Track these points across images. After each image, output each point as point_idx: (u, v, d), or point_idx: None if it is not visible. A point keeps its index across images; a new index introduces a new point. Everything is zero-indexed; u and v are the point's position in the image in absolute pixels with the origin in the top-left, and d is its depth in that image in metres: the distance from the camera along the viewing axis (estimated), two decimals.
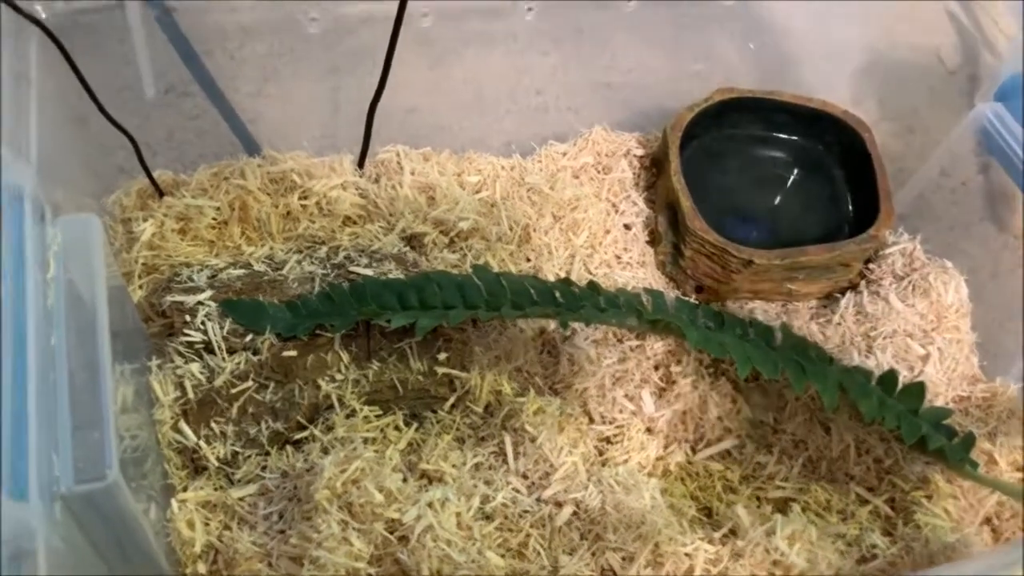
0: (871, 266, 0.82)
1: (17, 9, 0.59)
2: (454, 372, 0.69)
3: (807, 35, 0.97)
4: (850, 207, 0.86)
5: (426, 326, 0.65)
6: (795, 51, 0.98)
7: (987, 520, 0.70)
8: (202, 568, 0.61)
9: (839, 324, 0.79)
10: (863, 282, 0.82)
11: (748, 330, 0.72)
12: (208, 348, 0.66)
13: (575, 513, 0.63)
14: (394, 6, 0.72)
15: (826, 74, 0.97)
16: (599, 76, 0.95)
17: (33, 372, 0.49)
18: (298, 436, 0.66)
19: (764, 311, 0.83)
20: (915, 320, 0.77)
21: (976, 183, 0.93)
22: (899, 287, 0.79)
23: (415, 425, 0.68)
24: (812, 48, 0.98)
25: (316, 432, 0.66)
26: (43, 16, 0.61)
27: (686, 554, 0.61)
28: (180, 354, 0.66)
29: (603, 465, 0.66)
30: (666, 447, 0.70)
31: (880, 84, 0.96)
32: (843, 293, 0.82)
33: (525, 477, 0.65)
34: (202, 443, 0.64)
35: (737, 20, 0.95)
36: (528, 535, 0.63)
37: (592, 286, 0.72)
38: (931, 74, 0.94)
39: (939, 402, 0.75)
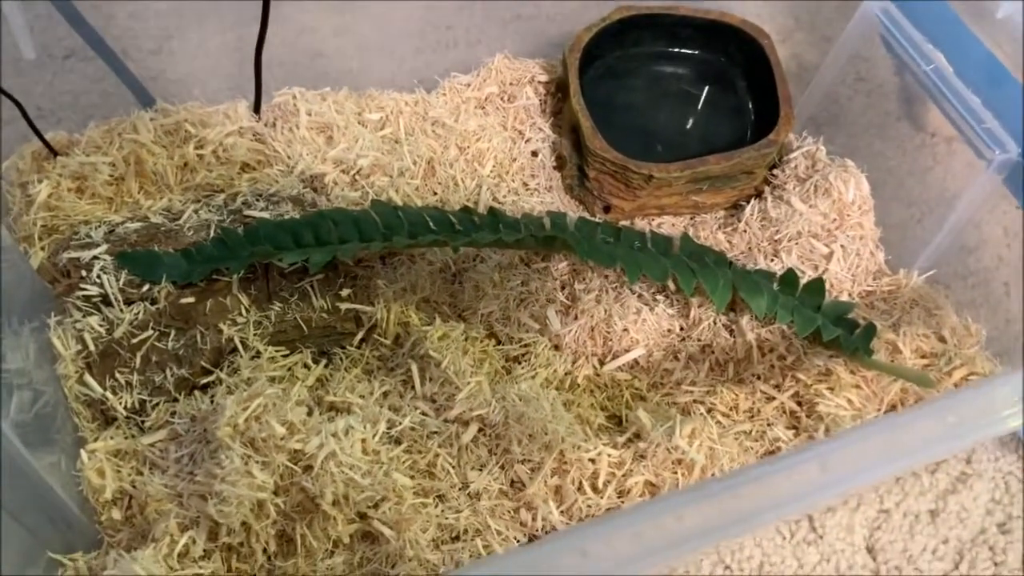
0: (775, 172, 0.83)
1: None
2: (359, 307, 0.70)
3: None
4: (752, 116, 0.86)
5: (319, 261, 0.66)
6: None
7: (892, 407, 0.71)
8: (116, 514, 0.62)
9: (744, 231, 0.80)
10: (768, 188, 0.83)
11: (646, 242, 0.73)
12: (106, 301, 0.66)
13: (481, 430, 0.65)
14: None
15: None
16: (510, 9, 0.95)
17: None
18: (204, 381, 0.67)
19: (672, 225, 0.84)
20: (818, 220, 0.78)
21: (892, 84, 0.93)
22: (802, 189, 0.80)
23: (324, 362, 0.69)
24: None
25: (222, 376, 0.66)
26: None
27: (590, 459, 0.63)
28: (78, 308, 0.66)
29: (510, 383, 0.67)
30: (574, 362, 0.71)
31: None
32: (749, 201, 0.83)
33: (433, 401, 0.66)
34: (108, 394, 0.65)
35: None
36: (436, 455, 0.64)
37: (492, 212, 0.72)
38: None
39: (844, 297, 0.77)
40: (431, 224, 0.69)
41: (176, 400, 0.66)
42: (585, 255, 0.66)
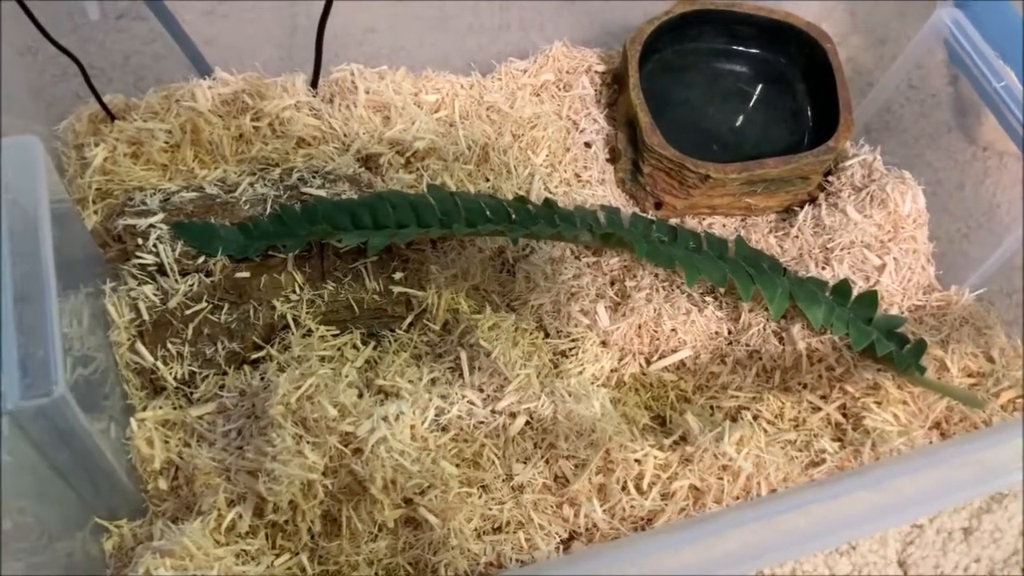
0: (830, 178, 0.82)
1: None
2: (411, 291, 0.70)
3: None
4: (810, 120, 0.85)
5: (378, 244, 0.66)
6: None
7: (936, 425, 0.71)
8: (163, 484, 0.63)
9: (797, 237, 0.80)
10: (822, 195, 0.82)
11: (701, 243, 0.72)
12: (161, 270, 0.66)
13: (528, 423, 0.65)
14: None
15: None
16: None
17: None
18: (255, 356, 0.67)
19: (723, 226, 0.83)
20: (872, 231, 0.78)
21: (946, 94, 0.92)
22: (857, 198, 0.79)
23: (372, 344, 0.69)
24: None
25: (272, 352, 0.66)
26: None
27: (636, 460, 0.63)
28: (134, 276, 0.66)
29: (557, 377, 0.67)
30: (621, 359, 0.71)
31: None
32: (802, 206, 0.82)
33: (480, 390, 0.66)
34: (159, 364, 0.65)
35: None
36: (483, 445, 0.64)
37: (547, 203, 0.72)
38: None
39: (894, 311, 0.76)
40: (488, 212, 0.68)
41: (226, 373, 0.66)
42: (643, 255, 0.65)
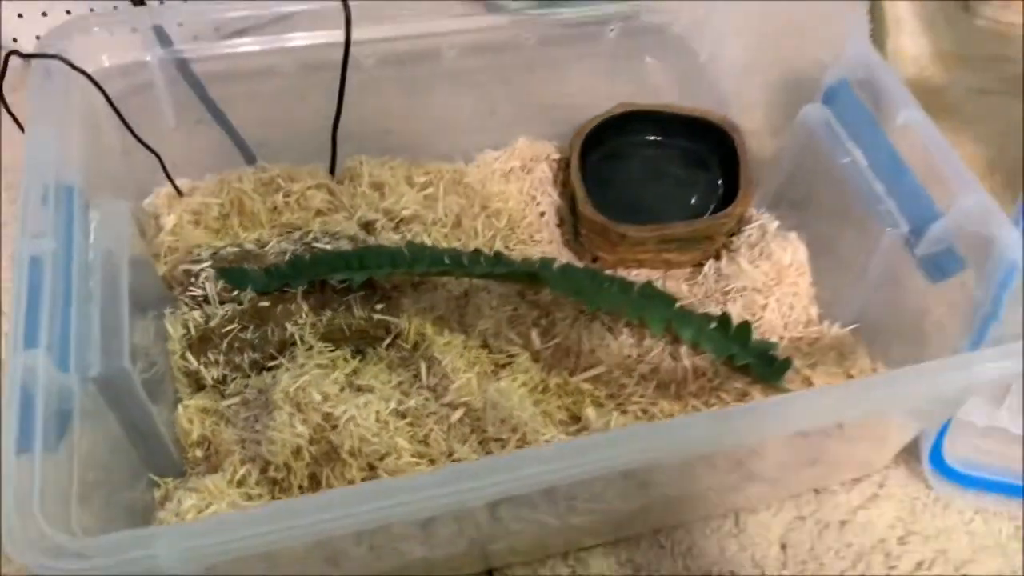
0: (732, 239, 1.03)
1: (72, 66, 0.86)
2: (389, 318, 0.93)
3: (721, 59, 1.17)
4: (721, 192, 1.07)
5: (358, 280, 0.89)
6: (713, 71, 1.18)
7: None
8: (199, 453, 0.86)
9: (702, 284, 1.00)
10: (725, 252, 1.02)
11: (613, 285, 0.93)
12: (206, 300, 0.91)
13: (466, 413, 0.85)
14: (358, 51, 0.98)
15: (735, 90, 1.17)
16: (545, 100, 1.18)
17: (74, 299, 0.74)
18: (271, 364, 0.90)
19: (648, 276, 1.04)
20: (760, 278, 0.97)
21: (831, 170, 1.04)
22: (751, 254, 0.99)
23: (359, 358, 0.92)
24: (725, 68, 1.18)
25: (284, 361, 0.89)
26: (90, 70, 0.88)
27: (545, 440, 0.83)
28: (187, 305, 0.91)
29: (491, 381, 0.88)
30: (548, 372, 0.92)
31: (770, 92, 1.15)
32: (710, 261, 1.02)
33: (433, 390, 0.88)
34: (202, 368, 0.89)
35: (667, 48, 1.17)
36: (431, 429, 0.85)
37: (497, 254, 0.95)
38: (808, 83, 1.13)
39: (774, 339, 0.95)
40: (445, 259, 0.92)
41: (249, 376, 0.89)
42: (553, 285, 0.87)
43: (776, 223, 1.02)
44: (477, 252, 0.94)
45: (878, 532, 0.91)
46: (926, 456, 0.91)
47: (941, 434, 0.90)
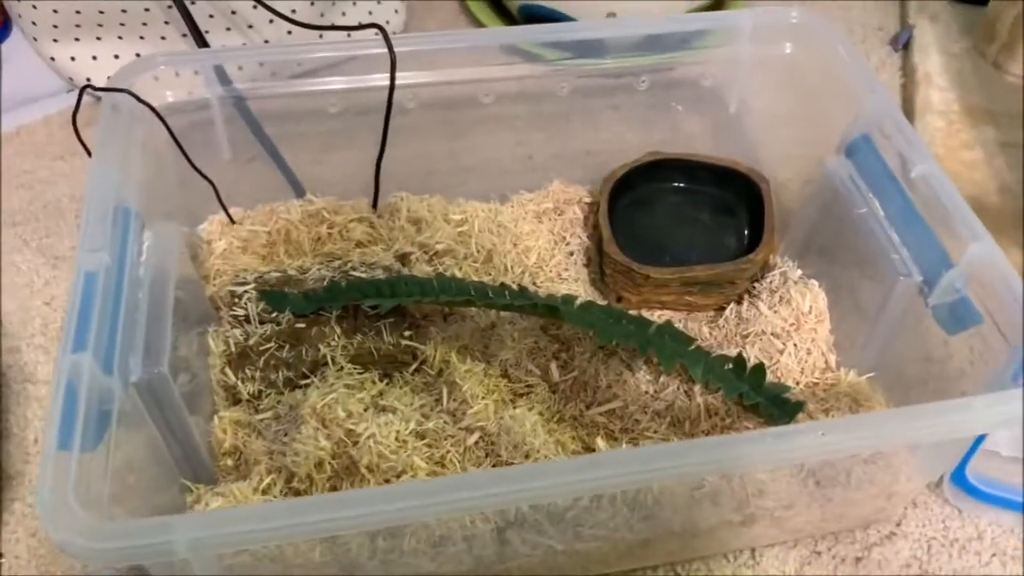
0: (755, 284, 1.05)
1: (140, 100, 0.94)
2: (415, 345, 0.98)
3: (751, 111, 1.21)
4: (746, 240, 1.10)
5: (387, 306, 0.95)
6: (742, 122, 1.22)
7: None
8: (229, 462, 0.91)
9: (722, 327, 1.03)
10: (747, 296, 1.05)
11: (630, 322, 0.97)
12: (247, 320, 0.97)
13: (481, 437, 0.89)
14: (402, 95, 1.05)
15: (763, 140, 1.20)
16: (582, 147, 1.24)
17: (123, 310, 0.81)
18: (304, 382, 0.95)
19: (670, 317, 1.07)
20: (779, 323, 1.00)
21: (853, 219, 1.06)
22: (771, 299, 1.02)
23: (387, 381, 0.97)
24: (754, 120, 1.21)
25: (315, 380, 0.95)
26: (155, 105, 0.96)
27: None
28: (229, 323, 0.97)
29: (507, 408, 0.92)
30: (565, 403, 0.95)
31: (798, 144, 1.17)
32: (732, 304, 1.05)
33: (452, 414, 0.92)
34: (239, 383, 0.95)
35: (698, 100, 1.21)
36: (448, 451, 0.89)
37: (521, 288, 0.99)
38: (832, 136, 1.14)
39: (790, 384, 0.97)
40: (471, 290, 0.96)
41: (282, 392, 0.95)
42: (568, 318, 0.91)
43: (799, 271, 1.05)
44: (503, 286, 0.99)
45: (893, 570, 0.92)
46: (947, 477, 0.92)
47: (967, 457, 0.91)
